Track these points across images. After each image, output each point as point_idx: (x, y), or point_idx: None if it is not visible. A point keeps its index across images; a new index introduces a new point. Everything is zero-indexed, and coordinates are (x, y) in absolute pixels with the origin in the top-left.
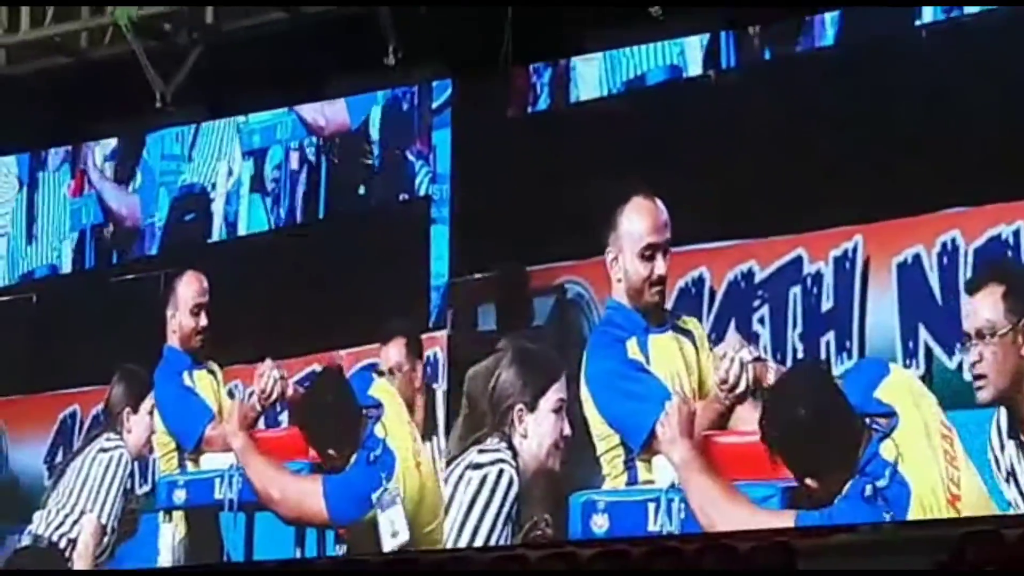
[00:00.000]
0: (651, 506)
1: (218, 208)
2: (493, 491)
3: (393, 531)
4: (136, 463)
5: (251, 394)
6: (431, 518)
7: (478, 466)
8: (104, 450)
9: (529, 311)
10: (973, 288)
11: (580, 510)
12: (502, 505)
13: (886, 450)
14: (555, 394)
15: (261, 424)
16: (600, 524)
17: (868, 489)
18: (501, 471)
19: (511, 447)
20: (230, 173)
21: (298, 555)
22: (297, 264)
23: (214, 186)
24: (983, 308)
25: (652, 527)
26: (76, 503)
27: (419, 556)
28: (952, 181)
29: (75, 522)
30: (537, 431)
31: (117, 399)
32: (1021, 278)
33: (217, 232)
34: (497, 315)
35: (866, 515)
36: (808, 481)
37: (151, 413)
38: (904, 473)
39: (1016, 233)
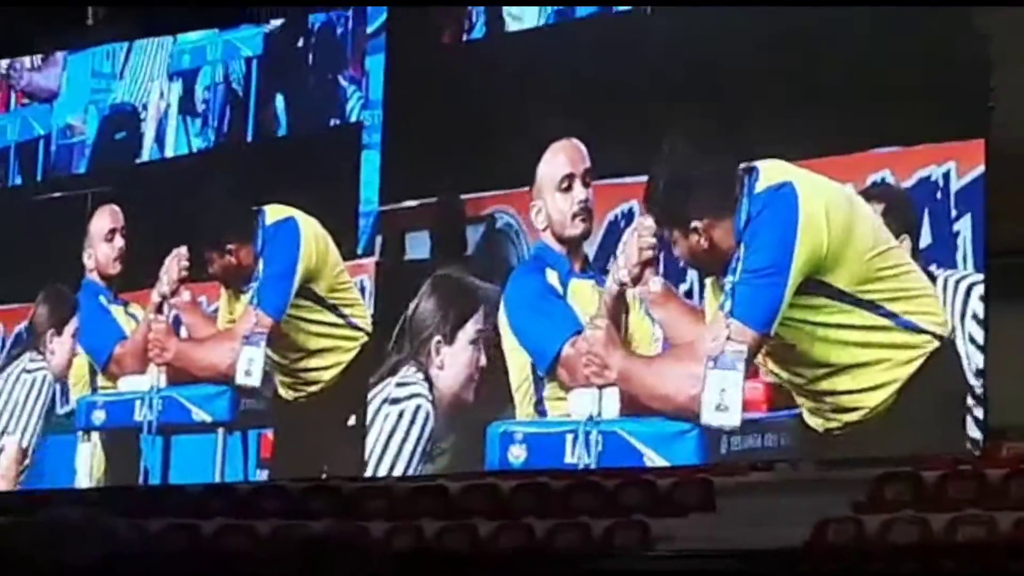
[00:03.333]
0: (569, 438)
1: (148, 128)
2: (410, 427)
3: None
4: (58, 383)
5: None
6: None
7: (395, 400)
8: (28, 371)
9: (461, 240)
10: None
11: (498, 441)
12: (418, 440)
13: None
14: (473, 325)
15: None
16: (517, 455)
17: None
18: (418, 406)
19: (428, 379)
20: (161, 94)
21: (217, 480)
22: (224, 187)
23: (145, 106)
24: None
25: (569, 459)
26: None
27: (341, 484)
28: (883, 121)
29: None
30: (454, 363)
31: (41, 319)
32: (903, 201)
33: (147, 152)
34: (430, 244)
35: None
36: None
37: (74, 335)
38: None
39: (946, 174)
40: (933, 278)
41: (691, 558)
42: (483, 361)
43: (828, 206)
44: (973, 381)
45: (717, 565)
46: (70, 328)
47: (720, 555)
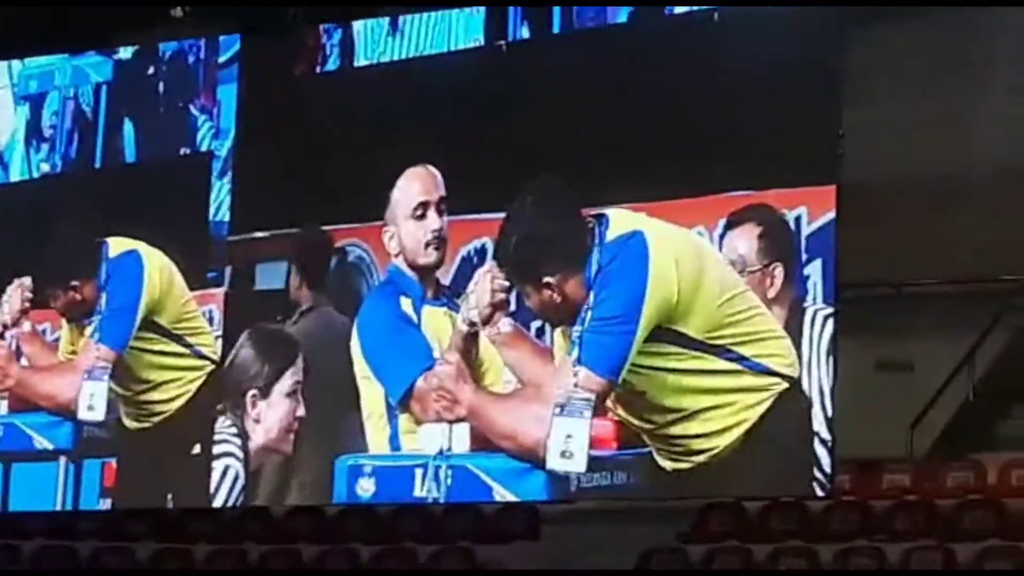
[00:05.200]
0: (418, 472)
1: None
2: (219, 484)
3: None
4: None
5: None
6: None
7: (211, 457)
8: None
9: (314, 272)
10: (731, 225)
11: (346, 473)
12: (227, 499)
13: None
14: (291, 378)
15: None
16: (366, 488)
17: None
18: (227, 467)
19: (241, 433)
20: (6, 117)
21: (58, 508)
22: (70, 215)
23: None
24: (739, 242)
25: (419, 492)
26: None
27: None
28: (737, 165)
29: None
30: (269, 416)
31: None
32: (777, 224)
33: None
34: (283, 274)
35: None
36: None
37: None
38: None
39: (797, 219)
40: (802, 309)
41: None
42: (300, 412)
43: (678, 256)
44: (820, 421)
45: None
46: None
47: None
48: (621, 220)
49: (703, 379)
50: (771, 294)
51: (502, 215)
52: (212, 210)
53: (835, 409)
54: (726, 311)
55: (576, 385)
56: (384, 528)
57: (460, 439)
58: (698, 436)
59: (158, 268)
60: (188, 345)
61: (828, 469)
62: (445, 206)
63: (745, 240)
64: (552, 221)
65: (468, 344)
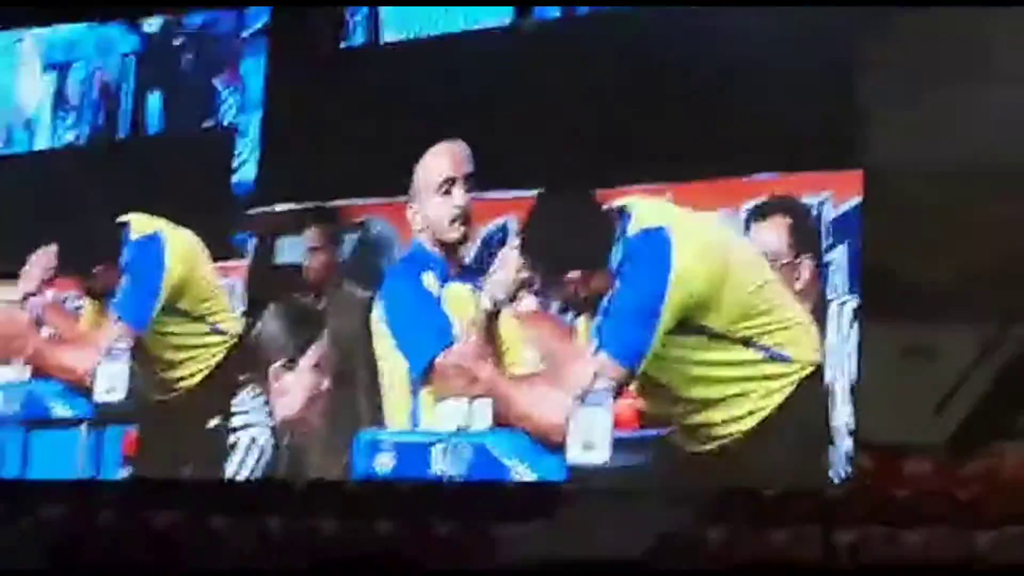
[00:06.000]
0: (437, 449)
1: (18, 119)
2: (243, 460)
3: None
4: None
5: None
6: None
7: (232, 429)
8: None
9: (334, 246)
10: (758, 216)
11: (365, 449)
12: (252, 471)
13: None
14: (316, 351)
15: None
16: (385, 464)
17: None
18: (253, 438)
19: (266, 405)
20: (33, 85)
21: (79, 476)
22: (94, 187)
23: (16, 97)
24: (768, 235)
25: (436, 469)
26: None
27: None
28: (762, 148)
29: None
30: (294, 389)
31: None
32: (805, 216)
33: (15, 145)
34: (303, 248)
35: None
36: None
37: None
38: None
39: (821, 204)
40: (828, 300)
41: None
42: (325, 385)
43: (703, 251)
44: (843, 409)
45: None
46: None
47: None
48: (645, 213)
49: (726, 370)
50: (799, 286)
51: (526, 193)
52: (235, 181)
53: (859, 398)
54: (750, 302)
55: (596, 374)
56: (402, 504)
57: (480, 417)
58: (720, 423)
59: (180, 250)
60: (210, 323)
61: (849, 456)
62: (471, 182)
63: (774, 233)
64: (577, 216)
65: (490, 323)
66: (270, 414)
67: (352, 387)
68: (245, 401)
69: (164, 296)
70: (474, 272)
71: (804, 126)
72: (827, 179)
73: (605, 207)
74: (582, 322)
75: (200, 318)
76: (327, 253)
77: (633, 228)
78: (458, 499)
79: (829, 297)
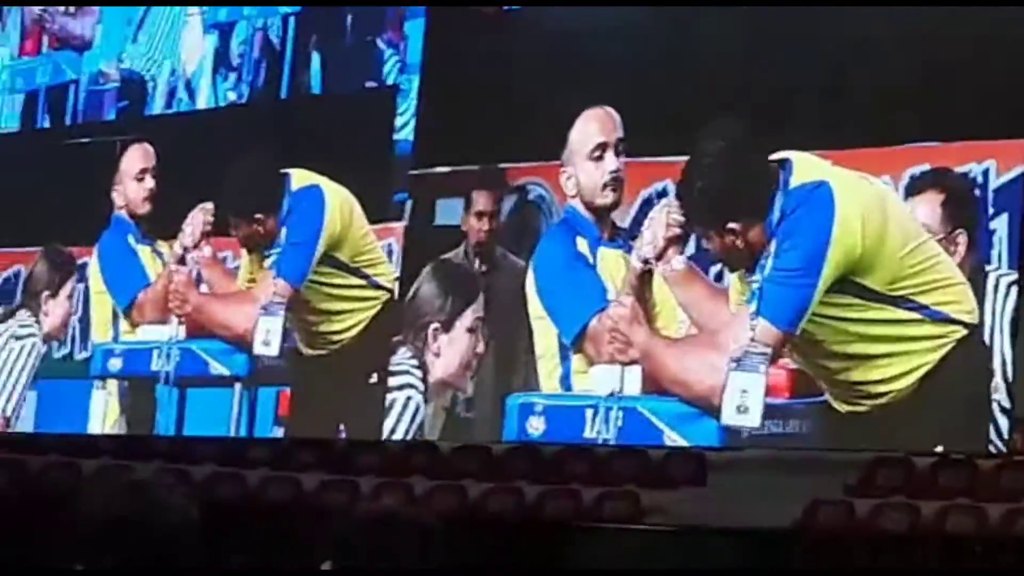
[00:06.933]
0: (589, 412)
1: (181, 79)
2: (399, 418)
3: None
4: (79, 325)
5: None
6: None
7: (389, 389)
8: (17, 337)
9: (494, 208)
10: (913, 190)
11: (517, 412)
12: (406, 431)
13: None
14: (472, 314)
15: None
16: (536, 427)
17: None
18: (408, 398)
19: (421, 365)
20: (195, 46)
21: (231, 434)
22: (254, 145)
23: (178, 57)
24: (922, 210)
25: (588, 434)
26: None
27: (334, 442)
28: (925, 115)
29: None
30: (449, 350)
31: (38, 278)
32: (960, 190)
33: (177, 104)
34: (461, 210)
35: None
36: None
37: (71, 297)
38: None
39: (986, 172)
40: (984, 273)
41: (680, 533)
42: (480, 348)
43: (863, 208)
44: (999, 371)
45: (706, 541)
46: (66, 289)
47: (709, 531)
48: (805, 167)
49: (883, 328)
50: (955, 260)
51: (683, 158)
52: (396, 140)
53: (1016, 371)
54: (908, 262)
55: (753, 339)
56: (550, 468)
57: (632, 381)
58: (876, 381)
59: (339, 204)
60: (365, 276)
61: (1004, 426)
62: (623, 147)
63: (928, 207)
64: (738, 165)
65: (642, 285)
66: (424, 375)
67: (506, 351)
68: (402, 361)
69: (323, 245)
70: (627, 236)
71: (967, 94)
72: (990, 148)
73: (764, 160)
74: (735, 281)
75: (356, 270)
76: (489, 217)
77: (794, 181)
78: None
79: (988, 269)
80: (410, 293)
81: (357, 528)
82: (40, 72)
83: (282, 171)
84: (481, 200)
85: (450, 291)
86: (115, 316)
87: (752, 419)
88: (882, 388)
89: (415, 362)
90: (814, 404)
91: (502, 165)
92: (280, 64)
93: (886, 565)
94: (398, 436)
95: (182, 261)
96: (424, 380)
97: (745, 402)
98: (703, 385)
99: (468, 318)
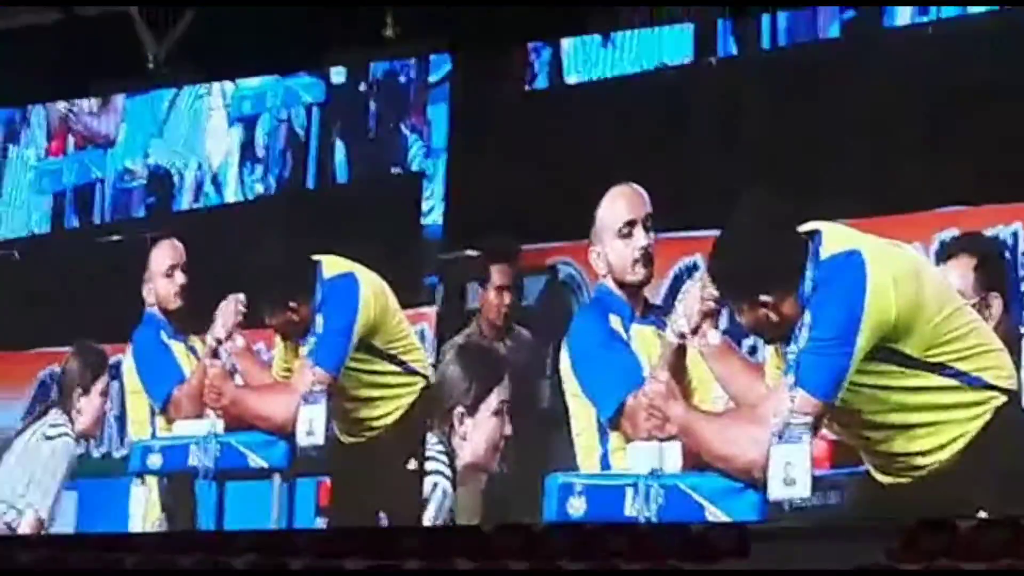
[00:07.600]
0: (629, 491)
1: (208, 173)
2: (428, 501)
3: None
4: (116, 424)
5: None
6: None
7: (426, 473)
8: (48, 437)
9: (520, 290)
10: (944, 255)
11: (557, 492)
12: (436, 516)
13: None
14: (497, 396)
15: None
16: (577, 507)
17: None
18: (435, 484)
19: (449, 451)
20: (221, 139)
21: (272, 527)
22: (283, 235)
23: (205, 151)
24: (952, 276)
25: (629, 512)
26: (19, 491)
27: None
28: (951, 180)
29: (19, 512)
30: (475, 434)
31: (71, 376)
32: (991, 254)
33: (204, 198)
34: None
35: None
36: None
37: (104, 394)
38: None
39: (1015, 234)
40: (1020, 335)
41: None
42: (507, 430)
43: (897, 275)
44: None
45: None
46: (99, 386)
47: None
48: (835, 236)
49: (921, 396)
50: (990, 324)
51: (713, 232)
52: (424, 225)
53: None
54: (944, 328)
55: (793, 410)
56: (591, 544)
57: (671, 457)
58: (917, 453)
59: (373, 290)
60: (401, 363)
61: None
62: (651, 222)
63: (960, 272)
64: (769, 237)
65: (677, 360)
66: (451, 460)
67: (537, 430)
68: (430, 446)
69: (359, 332)
70: (659, 313)
71: (994, 156)
72: (1018, 211)
73: (793, 231)
74: (771, 354)
75: (392, 357)
76: (509, 294)
77: (825, 251)
78: (649, 538)
79: (1023, 331)
80: (436, 376)
81: None
82: (66, 172)
83: (313, 258)
84: (498, 275)
85: (475, 373)
86: (152, 413)
87: (801, 491)
88: (923, 460)
89: (441, 448)
90: (855, 475)
91: (529, 246)
92: (305, 154)
93: None
94: (427, 522)
95: (215, 354)
96: (451, 466)
97: (791, 474)
98: (746, 459)
99: (494, 400)
